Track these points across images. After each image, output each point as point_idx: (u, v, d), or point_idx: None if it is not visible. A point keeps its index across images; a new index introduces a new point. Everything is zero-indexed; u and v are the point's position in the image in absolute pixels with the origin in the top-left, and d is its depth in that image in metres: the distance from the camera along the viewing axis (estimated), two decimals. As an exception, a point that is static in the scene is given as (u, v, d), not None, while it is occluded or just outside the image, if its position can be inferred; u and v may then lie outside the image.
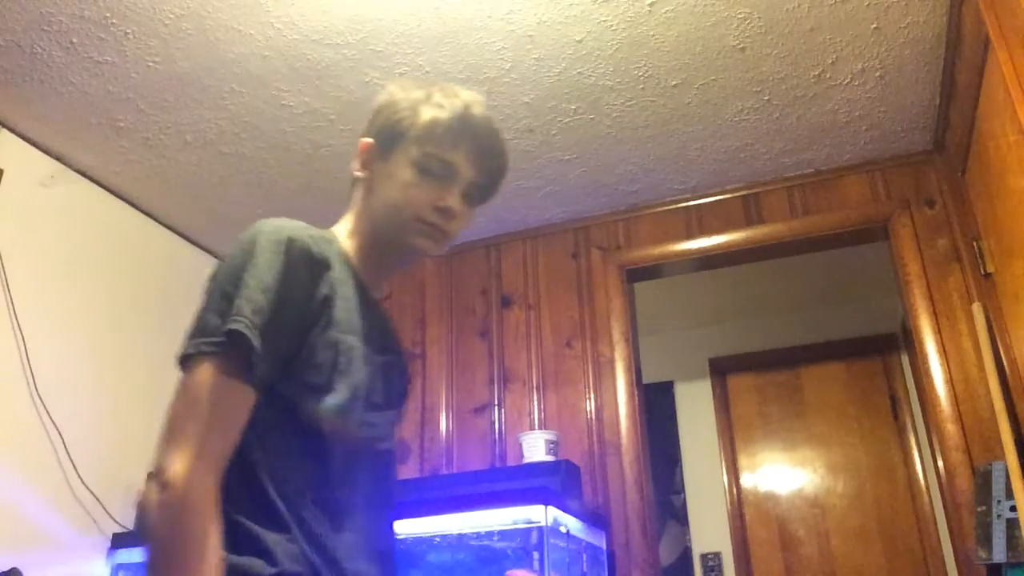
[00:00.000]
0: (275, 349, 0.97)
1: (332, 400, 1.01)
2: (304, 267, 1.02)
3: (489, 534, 2.26)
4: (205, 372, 0.94)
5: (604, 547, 2.50)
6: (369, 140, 1.19)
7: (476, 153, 1.15)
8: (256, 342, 0.95)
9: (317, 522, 0.99)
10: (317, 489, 1.00)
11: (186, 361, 0.96)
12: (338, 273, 1.08)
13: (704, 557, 3.75)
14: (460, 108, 1.14)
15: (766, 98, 2.37)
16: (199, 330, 0.97)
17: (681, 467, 3.93)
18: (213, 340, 0.95)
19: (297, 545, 0.96)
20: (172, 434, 0.93)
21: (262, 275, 0.99)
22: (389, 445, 1.14)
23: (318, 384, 1.01)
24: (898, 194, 2.64)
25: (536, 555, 2.07)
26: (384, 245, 1.17)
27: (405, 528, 2.30)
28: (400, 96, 1.17)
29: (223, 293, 0.98)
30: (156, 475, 0.91)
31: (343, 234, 1.20)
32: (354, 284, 1.12)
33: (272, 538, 0.95)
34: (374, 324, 1.13)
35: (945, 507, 3.28)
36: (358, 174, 1.20)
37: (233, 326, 0.94)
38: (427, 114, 1.14)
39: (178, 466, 0.90)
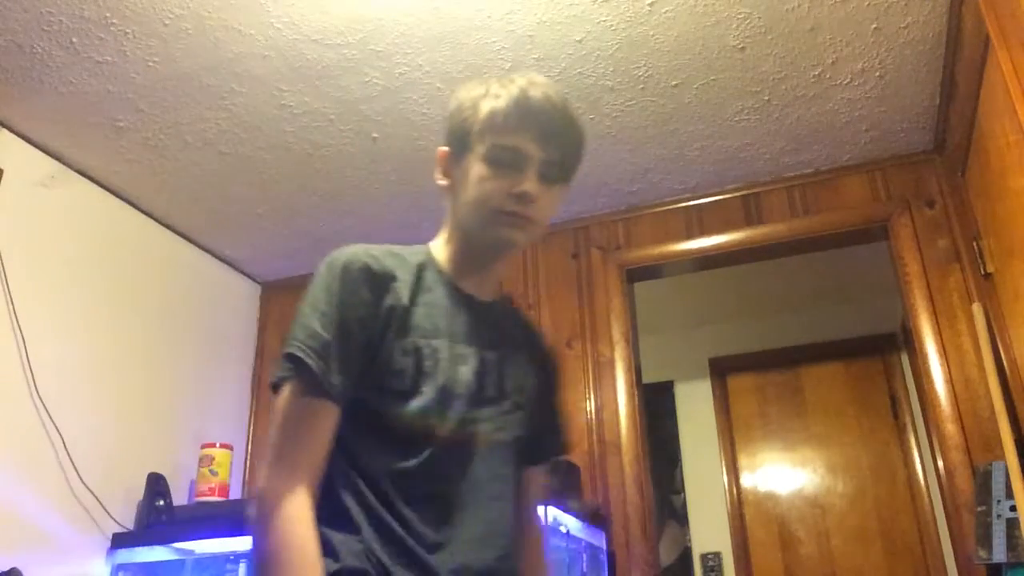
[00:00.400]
0: (343, 365, 1.06)
1: (416, 403, 1.07)
2: (363, 284, 1.09)
3: (489, 534, 2.26)
4: (283, 395, 1.06)
5: (604, 547, 2.50)
6: (444, 148, 1.23)
7: (539, 132, 1.14)
8: (311, 361, 1.04)
9: (402, 521, 1.04)
10: (407, 489, 1.06)
11: (275, 389, 1.07)
12: (414, 282, 1.14)
13: (704, 557, 3.75)
14: (515, 93, 1.15)
15: (766, 98, 2.37)
16: (281, 359, 1.07)
17: (681, 467, 3.93)
18: (285, 365, 1.06)
19: (363, 544, 1.02)
20: (266, 453, 1.05)
21: (317, 302, 1.08)
22: (506, 435, 1.16)
23: (402, 390, 1.08)
24: (898, 194, 2.64)
25: (536, 555, 2.06)
26: (475, 245, 1.20)
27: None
28: (463, 97, 1.21)
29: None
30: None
31: (439, 243, 1.24)
32: (446, 289, 1.18)
33: (339, 539, 1.02)
34: (478, 322, 1.18)
35: (945, 507, 3.28)
36: (441, 183, 1.23)
37: (287, 350, 1.05)
38: (486, 107, 1.16)
39: (264, 479, 1.02)
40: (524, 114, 1.14)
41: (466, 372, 1.13)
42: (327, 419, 1.05)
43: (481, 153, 1.15)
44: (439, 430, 1.08)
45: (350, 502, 1.05)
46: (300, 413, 1.04)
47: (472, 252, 1.21)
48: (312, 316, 1.07)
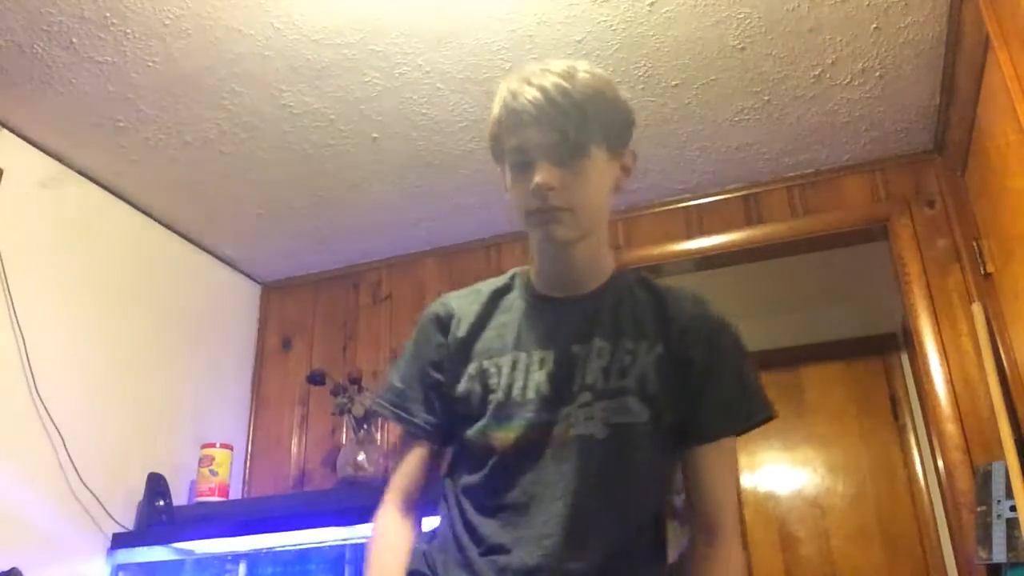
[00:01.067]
0: (426, 405, 1.25)
1: (479, 423, 1.18)
2: (434, 331, 1.27)
3: (489, 534, 2.25)
4: None
5: (604, 547, 2.49)
6: (499, 168, 1.27)
7: (530, 119, 1.13)
8: (385, 412, 1.28)
9: (469, 528, 1.16)
10: (476, 500, 1.18)
11: None
12: (480, 311, 1.26)
13: (704, 557, 3.74)
14: (505, 95, 1.17)
15: (766, 98, 2.37)
16: None
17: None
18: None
19: (424, 548, 1.21)
20: None
21: (401, 357, 1.31)
22: (585, 429, 1.14)
23: (470, 413, 1.20)
24: (898, 194, 2.64)
25: (536, 555, 2.06)
26: (539, 250, 1.24)
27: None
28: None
29: None
30: None
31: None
32: (526, 302, 1.25)
33: (417, 547, 1.23)
34: (561, 321, 1.21)
35: (945, 507, 3.28)
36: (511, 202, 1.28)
37: (371, 405, 1.28)
38: (491, 121, 1.22)
39: None
40: (513, 111, 1.15)
41: (540, 376, 1.17)
42: (417, 452, 1.27)
43: (506, 163, 1.19)
44: (499, 443, 1.16)
45: (442, 514, 1.24)
46: (400, 449, 1.29)
47: (543, 257, 1.24)
48: (393, 371, 1.30)
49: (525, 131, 1.14)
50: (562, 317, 1.21)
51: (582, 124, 1.13)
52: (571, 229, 1.15)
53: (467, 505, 1.18)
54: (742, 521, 3.76)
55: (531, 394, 1.15)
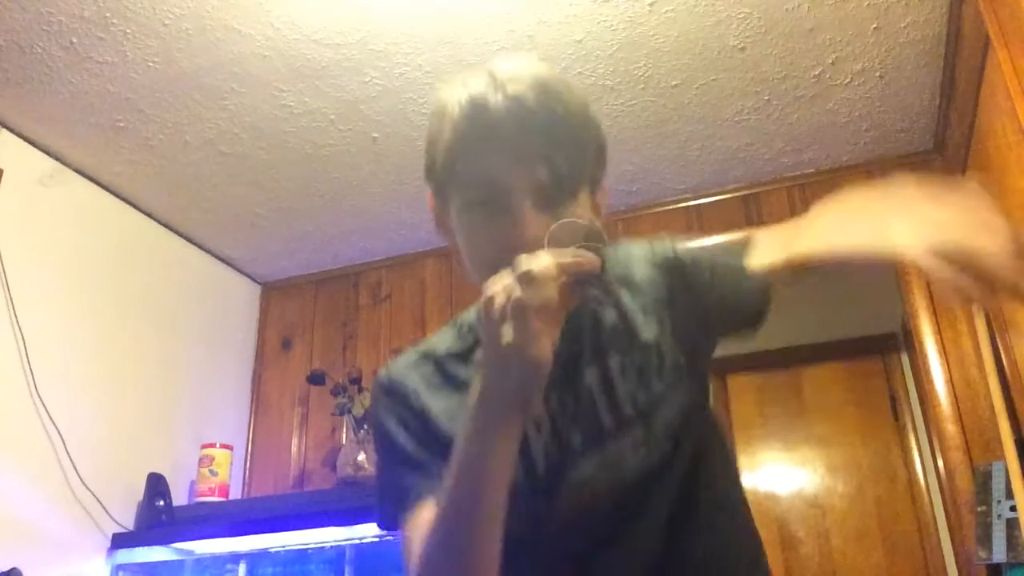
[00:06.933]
0: None
1: None
2: None
3: (489, 534, 2.25)
4: None
5: (604, 547, 2.49)
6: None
7: (506, 144, 0.82)
8: None
9: None
10: None
11: None
12: None
13: (704, 557, 3.74)
14: (461, 105, 0.84)
15: (766, 98, 2.37)
16: None
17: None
18: None
19: None
20: None
21: None
22: None
23: None
24: (898, 194, 2.64)
25: (536, 555, 2.06)
26: None
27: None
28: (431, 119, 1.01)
29: None
30: None
31: None
32: None
33: None
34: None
35: (945, 507, 3.28)
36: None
37: None
38: (434, 141, 0.90)
39: None
40: (479, 129, 0.82)
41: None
42: None
43: (456, 200, 0.87)
44: None
45: None
46: None
47: None
48: None
49: (498, 159, 0.81)
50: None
51: (575, 155, 0.83)
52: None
53: None
54: (742, 521, 3.75)
55: None
